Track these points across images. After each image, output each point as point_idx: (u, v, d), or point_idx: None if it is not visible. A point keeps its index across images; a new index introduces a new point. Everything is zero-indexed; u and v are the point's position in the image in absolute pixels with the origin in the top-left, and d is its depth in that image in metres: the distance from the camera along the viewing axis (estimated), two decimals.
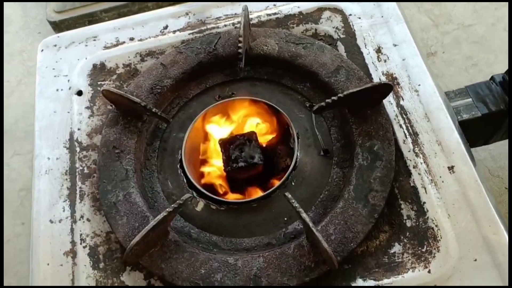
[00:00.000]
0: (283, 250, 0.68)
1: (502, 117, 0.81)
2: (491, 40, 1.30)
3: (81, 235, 0.75)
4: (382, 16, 0.88)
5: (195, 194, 0.75)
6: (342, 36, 0.88)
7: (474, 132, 0.79)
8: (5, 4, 1.59)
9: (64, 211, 0.77)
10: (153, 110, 0.77)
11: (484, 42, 1.12)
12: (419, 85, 0.80)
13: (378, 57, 0.84)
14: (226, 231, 0.74)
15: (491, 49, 1.29)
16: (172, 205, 0.67)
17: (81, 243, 0.74)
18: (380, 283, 0.66)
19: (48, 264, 0.73)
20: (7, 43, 1.54)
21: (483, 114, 0.81)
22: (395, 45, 0.85)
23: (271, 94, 0.84)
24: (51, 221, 0.76)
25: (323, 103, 0.74)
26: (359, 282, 0.66)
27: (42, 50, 0.95)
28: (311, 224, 0.63)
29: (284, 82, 0.85)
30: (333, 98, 0.73)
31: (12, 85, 1.48)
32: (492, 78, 0.86)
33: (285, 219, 0.74)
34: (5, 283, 1.17)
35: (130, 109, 0.80)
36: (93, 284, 0.71)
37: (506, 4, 1.33)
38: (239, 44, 0.80)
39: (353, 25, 0.88)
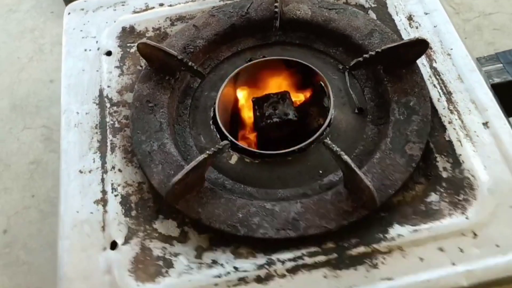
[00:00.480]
0: (320, 197, 0.75)
1: None
2: None
3: (112, 184, 0.81)
4: None
5: (232, 141, 0.82)
6: (373, 5, 0.98)
7: (506, 97, 0.88)
8: None
9: (94, 162, 0.84)
10: (189, 64, 0.86)
11: (505, 29, 1.23)
12: (451, 49, 0.89)
13: (410, 24, 0.94)
14: (261, 183, 0.80)
15: None
16: (212, 149, 0.75)
17: (112, 192, 0.80)
18: (417, 227, 0.73)
19: (77, 212, 0.79)
20: (18, 21, 1.64)
21: None
22: (426, 14, 0.95)
23: (303, 58, 0.92)
24: (81, 171, 0.83)
25: (360, 58, 0.83)
26: (397, 227, 0.73)
27: (68, 13, 1.04)
28: (353, 164, 0.70)
29: (317, 46, 0.94)
30: (370, 53, 0.82)
31: (23, 62, 1.57)
32: None
33: (320, 171, 0.81)
34: (13, 256, 1.22)
35: (163, 66, 0.88)
36: (125, 231, 0.77)
37: None
38: (276, 3, 0.89)
39: None
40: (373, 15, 0.96)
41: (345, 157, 0.71)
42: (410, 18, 0.95)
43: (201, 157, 0.73)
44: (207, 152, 0.74)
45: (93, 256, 0.75)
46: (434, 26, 0.93)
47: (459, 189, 0.75)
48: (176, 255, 0.74)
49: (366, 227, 0.73)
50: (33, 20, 1.65)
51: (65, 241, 0.77)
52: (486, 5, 1.45)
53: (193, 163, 0.73)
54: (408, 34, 0.92)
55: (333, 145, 0.73)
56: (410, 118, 0.80)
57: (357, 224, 0.73)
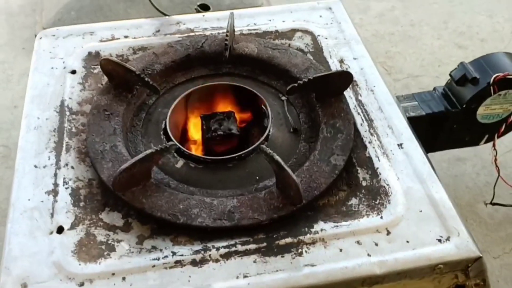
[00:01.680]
0: (255, 195, 0.82)
1: (442, 119, 1.03)
2: None
3: (64, 179, 0.85)
4: (345, 39, 1.13)
5: (179, 148, 0.89)
6: (311, 50, 1.11)
7: (419, 128, 0.99)
8: None
9: (49, 159, 0.88)
10: (146, 79, 0.94)
11: (429, 88, 1.39)
12: (374, 86, 1.02)
13: (341, 65, 1.07)
14: (203, 184, 0.87)
15: None
16: (159, 146, 0.81)
17: (63, 185, 0.84)
18: (338, 224, 0.80)
19: (29, 200, 0.82)
20: None
21: (427, 113, 1.03)
22: (355, 58, 1.09)
23: (249, 87, 1.03)
24: (36, 166, 0.87)
25: (295, 84, 0.93)
26: (321, 224, 0.80)
27: (40, 38, 1.12)
28: (283, 163, 0.78)
29: (261, 78, 1.05)
30: (304, 80, 0.93)
31: None
32: (434, 89, 1.10)
33: (257, 177, 0.88)
34: None
35: (122, 81, 0.96)
36: (72, 218, 0.80)
37: (446, 63, 1.66)
38: (226, 37, 1.00)
39: (320, 43, 1.12)
40: (310, 57, 1.09)
41: (277, 157, 0.79)
42: (341, 61, 1.08)
43: (149, 151, 0.79)
44: (155, 147, 0.80)
45: (40, 238, 0.77)
46: (361, 68, 1.06)
47: (376, 195, 0.84)
48: (118, 241, 0.78)
49: (294, 222, 0.80)
50: (5, 54, 1.72)
51: (14, 224, 0.79)
52: (414, 69, 1.65)
53: (141, 155, 0.79)
54: None
55: (267, 148, 0.81)
56: (336, 135, 0.90)
57: (286, 219, 0.80)
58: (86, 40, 1.11)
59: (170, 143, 0.83)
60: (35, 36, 1.50)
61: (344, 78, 0.95)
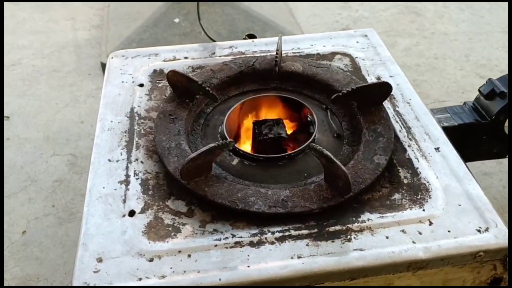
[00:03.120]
0: (305, 187, 0.84)
1: (472, 130, 1.05)
2: None
3: (135, 171, 0.89)
4: (381, 60, 1.17)
5: (235, 147, 0.92)
6: (350, 69, 1.15)
7: (453, 137, 1.01)
8: (63, 53, 1.88)
9: (121, 155, 0.92)
10: (207, 88, 0.99)
11: None
12: (410, 99, 1.05)
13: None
14: (256, 179, 0.89)
15: None
16: (220, 141, 0.85)
17: (134, 176, 0.88)
18: (384, 215, 0.81)
19: (103, 188, 0.86)
20: (60, 78, 1.79)
21: (459, 124, 1.04)
22: (391, 76, 1.12)
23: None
24: (109, 160, 0.91)
25: (339, 93, 0.97)
26: (367, 214, 0.81)
27: (111, 58, 1.19)
28: (332, 156, 0.81)
29: (306, 92, 1.09)
30: (347, 89, 0.97)
31: (60, 107, 1.69)
32: (464, 103, 1.12)
33: (305, 174, 0.90)
34: (27, 252, 1.20)
35: (185, 91, 1.01)
36: (142, 204, 0.83)
37: (469, 90, 1.68)
38: (276, 55, 1.05)
39: (358, 63, 1.16)
40: (349, 74, 1.13)
41: (326, 152, 0.82)
42: (378, 78, 1.11)
43: (211, 144, 0.83)
44: (217, 142, 0.84)
45: (113, 220, 0.80)
46: (397, 84, 1.09)
47: (418, 191, 0.85)
48: (183, 224, 0.80)
49: (342, 212, 0.81)
50: (73, 78, 1.82)
51: (90, 207, 0.82)
52: (440, 95, 1.67)
53: (205, 147, 0.82)
54: None
55: (317, 145, 0.84)
56: (377, 139, 0.92)
57: (335, 209, 0.81)
58: (151, 60, 1.18)
59: (229, 140, 0.87)
60: (101, 63, 1.60)
61: (384, 89, 0.98)
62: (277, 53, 1.07)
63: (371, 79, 1.11)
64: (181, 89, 1.02)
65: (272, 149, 0.98)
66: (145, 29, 1.80)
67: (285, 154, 0.91)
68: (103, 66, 1.56)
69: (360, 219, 0.80)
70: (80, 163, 1.48)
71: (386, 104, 1.02)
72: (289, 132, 1.03)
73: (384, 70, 1.14)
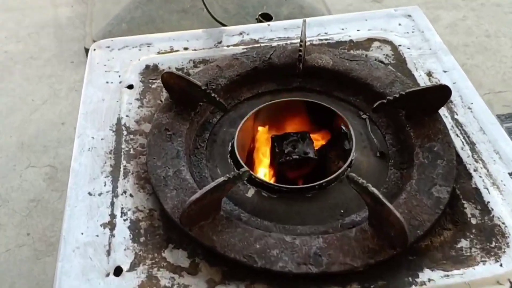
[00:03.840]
0: (344, 234, 0.66)
1: None
2: None
3: (122, 209, 0.73)
4: (430, 49, 0.97)
5: (250, 174, 0.74)
6: (392, 61, 0.95)
7: None
8: (42, 35, 1.69)
9: (105, 185, 0.76)
10: (212, 94, 0.80)
11: None
12: (472, 103, 0.86)
13: (429, 79, 0.91)
14: (278, 217, 0.72)
15: None
16: (232, 173, 0.67)
17: (121, 216, 0.72)
18: (449, 273, 0.63)
19: (82, 234, 0.70)
20: (37, 68, 1.61)
21: None
22: (445, 71, 0.92)
23: (325, 103, 0.87)
24: (90, 194, 0.74)
25: (384, 100, 0.78)
26: (427, 272, 0.64)
27: (94, 50, 1.00)
28: (381, 196, 0.63)
29: (337, 94, 0.90)
30: (394, 95, 0.78)
31: (37, 104, 1.51)
32: None
33: (342, 211, 0.73)
34: None
35: (184, 97, 0.83)
36: (131, 257, 0.67)
37: None
38: (300, 47, 0.86)
39: (403, 54, 0.96)
40: (392, 69, 0.93)
41: (372, 188, 0.64)
42: (429, 74, 0.92)
43: (220, 179, 0.66)
44: (227, 175, 0.66)
45: (94, 281, 0.64)
46: (454, 83, 0.89)
47: (491, 236, 0.67)
48: (185, 286, 0.64)
49: (394, 270, 0.64)
50: (53, 67, 1.63)
51: (65, 263, 0.66)
52: (495, 83, 1.46)
53: (212, 184, 0.65)
54: None
55: (358, 178, 0.66)
56: (435, 162, 0.74)
57: (384, 265, 0.64)
58: (143, 52, 0.99)
59: (243, 169, 0.69)
60: (85, 49, 1.41)
61: (441, 93, 0.79)
62: (300, 45, 0.87)
63: (420, 75, 0.92)
64: (180, 94, 0.83)
65: (297, 173, 0.81)
66: (137, 5, 1.59)
67: (314, 184, 0.73)
68: (88, 52, 1.37)
69: (418, 280, 0.63)
70: (60, 177, 1.31)
71: (442, 110, 0.83)
72: (317, 145, 0.85)
73: (435, 63, 0.94)
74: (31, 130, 1.44)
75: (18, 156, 1.38)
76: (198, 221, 0.67)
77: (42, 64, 1.64)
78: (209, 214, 0.68)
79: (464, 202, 0.72)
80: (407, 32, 1.01)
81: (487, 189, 0.73)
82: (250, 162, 0.84)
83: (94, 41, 1.42)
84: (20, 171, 1.36)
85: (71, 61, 1.64)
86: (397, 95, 0.77)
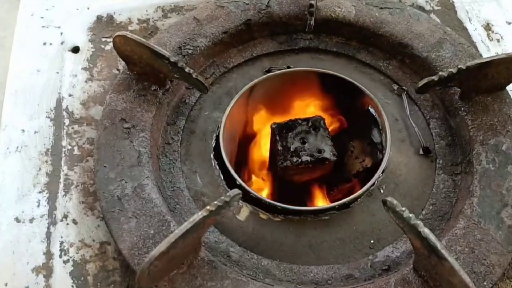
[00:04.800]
0: (378, 285, 0.47)
1: None
2: None
3: (61, 243, 0.53)
4: None
5: (243, 188, 0.54)
6: (436, 7, 0.72)
7: None
8: None
9: (38, 206, 0.56)
10: (186, 70, 0.58)
11: None
12: None
13: (488, 35, 0.68)
14: (283, 253, 0.53)
15: None
16: (215, 202, 0.46)
17: (61, 256, 0.52)
18: None
19: (6, 285, 0.50)
20: None
21: None
22: (509, 23, 0.69)
23: (341, 72, 0.65)
24: (18, 220, 0.55)
25: (433, 77, 0.56)
26: None
27: None
28: (439, 245, 0.43)
29: (361, 57, 0.68)
30: (450, 70, 0.55)
31: None
32: None
33: (372, 241, 0.54)
34: None
35: (149, 71, 0.61)
36: None
37: None
38: None
39: None
40: (437, 19, 0.70)
41: (426, 231, 0.44)
42: (488, 27, 0.69)
43: (197, 217, 0.45)
44: (208, 208, 0.46)
45: None
46: None
47: None
48: None
49: None
50: None
51: None
52: None
53: (184, 226, 0.45)
54: (487, 49, 0.67)
55: (402, 208, 0.46)
56: (504, 168, 0.54)
57: None
58: None
59: (233, 192, 0.48)
60: None
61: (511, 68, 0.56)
62: None
63: (475, 29, 0.68)
64: (141, 67, 0.60)
65: (307, 177, 0.60)
66: None
67: (333, 205, 0.53)
68: None
69: None
70: None
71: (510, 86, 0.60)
72: (333, 131, 0.64)
73: (495, 9, 0.71)
74: None
75: None
76: (168, 272, 0.47)
77: None
78: (183, 260, 0.48)
79: None
80: None
81: None
82: (242, 162, 0.64)
83: None
84: None
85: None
86: (453, 70, 0.55)
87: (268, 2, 0.69)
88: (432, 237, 0.44)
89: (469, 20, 0.69)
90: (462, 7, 0.71)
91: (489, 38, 0.67)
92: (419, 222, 0.45)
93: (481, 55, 0.65)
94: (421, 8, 0.71)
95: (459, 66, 0.55)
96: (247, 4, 0.69)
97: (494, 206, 0.52)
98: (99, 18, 0.72)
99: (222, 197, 0.47)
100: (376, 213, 0.55)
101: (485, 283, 0.47)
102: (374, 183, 0.55)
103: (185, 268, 0.48)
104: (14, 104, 0.64)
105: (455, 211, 0.54)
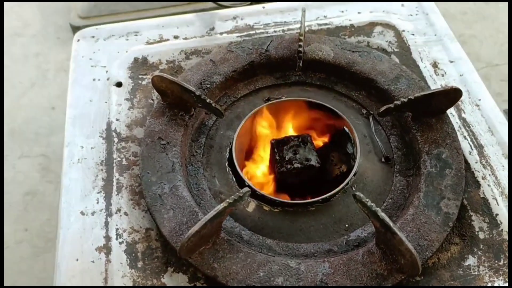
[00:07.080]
0: (350, 256, 0.62)
1: None
2: None
3: (117, 229, 0.67)
4: (436, 35, 0.88)
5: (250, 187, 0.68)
6: (396, 50, 0.87)
7: None
8: (23, 7, 1.53)
9: (98, 203, 0.69)
10: (207, 101, 0.72)
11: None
12: (479, 99, 0.79)
13: (435, 71, 0.83)
14: (281, 234, 0.67)
15: None
16: (232, 197, 0.61)
17: (117, 239, 0.66)
18: None
19: (77, 260, 0.64)
20: (22, 45, 1.47)
21: None
22: (451, 61, 0.84)
23: (324, 100, 0.80)
24: (83, 213, 0.68)
25: (391, 105, 0.71)
26: None
27: (78, 40, 0.90)
28: (391, 224, 0.57)
29: (338, 89, 0.83)
30: (402, 99, 0.70)
31: (25, 87, 1.39)
32: None
33: (346, 225, 0.68)
34: None
35: (178, 101, 0.75)
36: (130, 284, 0.62)
37: None
38: (299, 42, 0.77)
39: (407, 40, 0.88)
40: (396, 60, 0.85)
41: (382, 214, 0.58)
42: (435, 65, 0.84)
43: (220, 206, 0.59)
44: (227, 200, 0.60)
45: None
46: (460, 75, 0.82)
47: (499, 252, 0.63)
48: None
49: None
50: (38, 45, 1.48)
51: None
52: (492, 55, 1.36)
53: (211, 213, 0.59)
54: (434, 82, 0.81)
55: (366, 199, 0.60)
56: (443, 171, 0.68)
57: None
58: (130, 42, 0.89)
59: (244, 190, 0.63)
60: (70, 25, 1.28)
61: (451, 96, 0.71)
62: (300, 39, 0.78)
63: (425, 66, 0.84)
64: (172, 98, 0.75)
65: (298, 179, 0.75)
66: None
67: (317, 198, 0.68)
68: (74, 29, 1.25)
69: None
70: (54, 167, 1.22)
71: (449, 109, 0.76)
72: (318, 145, 0.78)
73: (441, 51, 0.86)
74: (20, 117, 1.32)
75: (9, 146, 1.26)
76: (198, 248, 0.61)
77: (27, 41, 1.49)
78: (209, 239, 0.62)
79: (472, 214, 0.67)
80: (411, 15, 0.92)
81: (496, 200, 0.68)
82: (250, 167, 0.78)
83: (80, 17, 1.31)
84: (13, 162, 1.26)
85: (57, 37, 1.49)
86: (405, 100, 0.70)
87: (267, 47, 0.84)
88: (387, 218, 0.58)
89: (421, 60, 0.84)
90: (416, 49, 0.86)
91: (435, 74, 0.83)
92: (378, 209, 0.59)
93: (429, 87, 0.80)
94: (384, 51, 0.86)
95: (409, 97, 0.70)
96: (251, 49, 0.84)
97: (435, 198, 0.66)
98: (136, 59, 0.87)
99: (237, 193, 0.62)
100: (349, 205, 0.69)
101: (427, 253, 0.61)
102: (348, 183, 0.70)
103: (210, 245, 0.62)
104: (74, 127, 0.78)
105: (407, 203, 0.68)
